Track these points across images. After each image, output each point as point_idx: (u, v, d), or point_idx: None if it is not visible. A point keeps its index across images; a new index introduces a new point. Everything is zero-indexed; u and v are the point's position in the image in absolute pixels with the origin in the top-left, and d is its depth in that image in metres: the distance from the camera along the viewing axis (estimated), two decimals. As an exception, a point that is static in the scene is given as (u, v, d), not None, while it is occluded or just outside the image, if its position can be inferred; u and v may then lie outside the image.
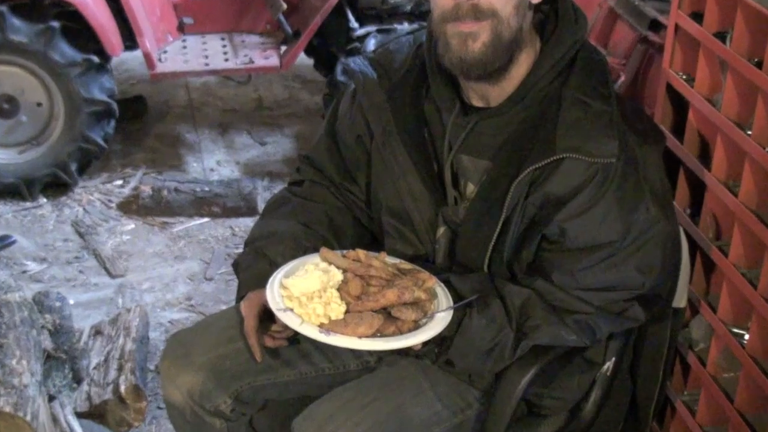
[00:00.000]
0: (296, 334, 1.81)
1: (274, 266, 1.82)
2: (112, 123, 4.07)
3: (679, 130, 2.28)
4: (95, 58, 3.86)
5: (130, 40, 4.01)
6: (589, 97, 1.70)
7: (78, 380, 2.77)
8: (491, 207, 1.75)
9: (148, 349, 3.04)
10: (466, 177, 1.82)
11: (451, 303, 1.72)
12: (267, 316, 1.80)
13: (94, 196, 4.06)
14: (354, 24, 4.13)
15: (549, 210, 1.71)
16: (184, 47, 4.30)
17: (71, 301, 3.24)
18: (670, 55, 2.30)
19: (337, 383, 1.89)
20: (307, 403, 1.84)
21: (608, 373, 1.92)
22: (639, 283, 1.75)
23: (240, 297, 1.88)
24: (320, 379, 1.95)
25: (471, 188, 1.82)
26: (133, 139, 4.52)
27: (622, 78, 2.77)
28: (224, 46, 4.32)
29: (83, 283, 3.50)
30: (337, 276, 1.71)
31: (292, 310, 1.65)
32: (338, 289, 1.69)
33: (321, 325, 1.63)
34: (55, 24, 3.76)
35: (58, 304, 2.99)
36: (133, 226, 3.87)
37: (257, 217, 2.09)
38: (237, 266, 1.93)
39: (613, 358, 1.91)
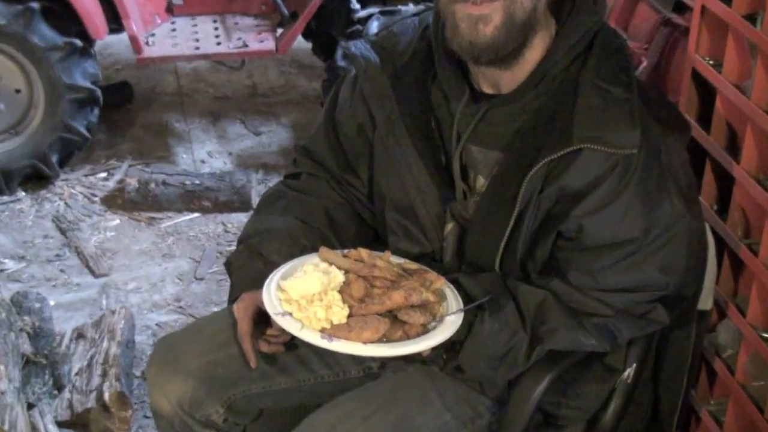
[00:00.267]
0: (294, 338, 1.81)
1: (270, 265, 1.81)
2: (96, 111, 4.07)
3: (705, 119, 2.27)
4: (78, 42, 3.86)
5: (115, 22, 4.00)
6: (608, 84, 1.69)
7: (59, 387, 2.77)
8: (503, 202, 1.74)
9: (134, 353, 3.04)
10: (476, 169, 1.82)
11: (461, 305, 1.71)
12: (262, 319, 1.79)
13: (76, 189, 4.06)
14: (355, 5, 4.13)
15: (565, 205, 1.70)
16: (173, 30, 4.29)
17: (52, 302, 3.24)
18: (695, 39, 2.29)
19: (338, 391, 1.89)
20: (305, 414, 1.84)
21: (629, 381, 1.91)
22: (662, 284, 1.74)
23: (233, 298, 1.87)
24: (319, 386, 1.95)
25: (481, 181, 1.81)
26: (119, 129, 4.52)
27: (644, 63, 2.76)
28: (216, 28, 4.31)
29: (65, 283, 3.50)
30: (339, 277, 1.70)
31: (291, 314, 1.64)
32: (340, 292, 1.68)
33: (322, 330, 1.62)
34: (35, 5, 3.75)
35: (37, 305, 2.99)
36: (118, 221, 3.87)
37: (251, 213, 2.08)
38: (229, 265, 1.93)
39: (634, 365, 1.91)
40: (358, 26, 4.11)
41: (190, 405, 1.88)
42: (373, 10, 4.10)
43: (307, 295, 1.66)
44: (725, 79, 2.17)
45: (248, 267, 1.87)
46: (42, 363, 2.72)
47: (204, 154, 4.37)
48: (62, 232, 3.78)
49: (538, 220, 1.74)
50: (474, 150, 1.81)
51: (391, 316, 1.66)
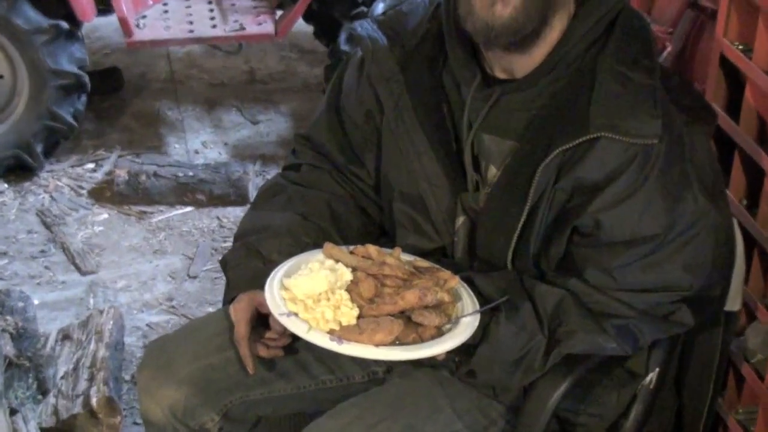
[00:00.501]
0: (294, 342, 1.81)
1: (269, 264, 1.80)
2: (83, 98, 4.07)
3: (733, 108, 2.27)
4: (64, 24, 3.86)
5: (103, 3, 4.00)
6: (629, 69, 1.69)
7: (43, 391, 2.77)
8: (515, 194, 1.74)
9: (123, 356, 3.04)
10: (488, 159, 1.81)
11: (477, 306, 1.71)
12: (260, 322, 1.79)
13: (62, 181, 4.07)
14: (360, -15, 4.13)
15: (581, 198, 1.70)
16: (166, 12, 4.29)
17: (36, 301, 3.25)
18: (724, 22, 2.28)
19: (341, 397, 1.89)
20: (306, 422, 1.84)
21: (651, 386, 1.91)
22: (686, 284, 1.74)
23: (229, 299, 1.87)
24: (321, 393, 1.95)
25: (493, 172, 1.81)
26: (107, 117, 4.52)
27: (669, 48, 2.75)
28: (211, 10, 4.31)
29: (49, 281, 3.50)
30: (347, 275, 1.70)
31: (296, 314, 1.64)
32: (348, 291, 1.68)
33: (331, 332, 1.62)
34: (18, -16, 3.75)
35: (20, 304, 2.99)
36: (106, 215, 3.87)
37: (248, 207, 2.08)
38: (225, 264, 1.92)
39: (657, 369, 1.90)
40: (363, 8, 4.11)
41: (183, 412, 1.88)
42: (378, -10, 4.09)
43: (313, 294, 1.65)
44: (756, 66, 2.16)
45: (246, 266, 1.87)
46: (25, 366, 2.72)
47: (198, 144, 4.37)
48: (47, 226, 3.79)
49: (552, 215, 1.73)
50: (486, 138, 1.80)
51: (404, 317, 1.65)
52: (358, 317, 1.64)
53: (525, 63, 1.75)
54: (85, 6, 3.88)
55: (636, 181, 1.67)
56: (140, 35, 4.10)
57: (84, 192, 4.00)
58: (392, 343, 1.62)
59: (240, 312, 1.79)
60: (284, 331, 1.74)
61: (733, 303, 1.96)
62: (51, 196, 3.96)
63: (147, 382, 1.91)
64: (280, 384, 1.93)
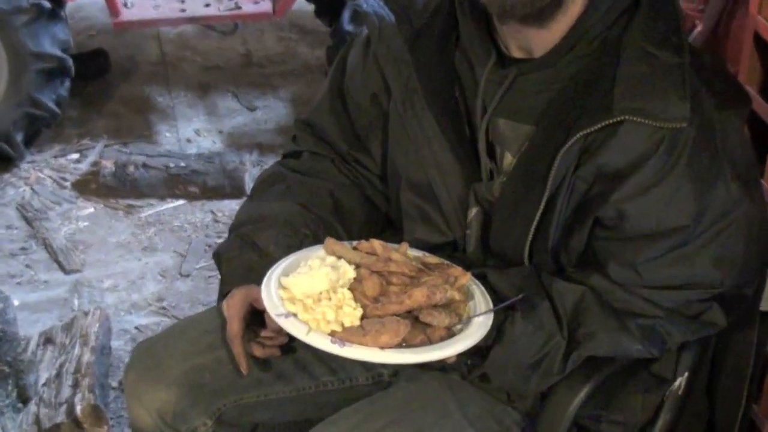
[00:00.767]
0: (291, 341, 1.81)
1: (265, 257, 1.81)
2: (67, 83, 4.07)
3: (769, 90, 2.27)
4: (46, 3, 3.86)
5: (88, -20, 4.01)
6: (656, 47, 1.68)
7: (24, 399, 2.78)
8: (532, 182, 1.73)
9: (110, 361, 3.05)
10: (504, 145, 1.81)
11: (491, 305, 1.71)
12: (255, 319, 1.80)
13: (44, 173, 4.07)
14: (365, -40, 4.12)
15: (603, 187, 1.69)
16: (155, -11, 4.30)
17: (16, 302, 3.25)
18: (758, -1, 2.28)
19: (343, 401, 1.89)
20: (306, 428, 1.84)
21: (680, 392, 1.91)
22: (716, 280, 1.74)
23: (223, 295, 1.87)
24: (322, 396, 1.95)
25: (509, 159, 1.80)
26: (93, 104, 4.52)
27: (699, 27, 2.75)
28: (204, -13, 4.32)
29: (30, 280, 3.51)
30: (349, 273, 1.69)
31: (295, 315, 1.64)
32: (351, 289, 1.68)
33: (333, 334, 1.62)
34: (-4, -40, 3.76)
35: (0, 305, 3.00)
36: (91, 210, 3.88)
37: (244, 200, 2.09)
38: (219, 257, 1.93)
39: (686, 373, 1.90)
40: (368, -15, 4.10)
41: (173, 417, 1.88)
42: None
43: (313, 293, 1.65)
44: (793, 45, 2.16)
45: (240, 259, 1.88)
46: (4, 372, 2.73)
47: (190, 132, 4.37)
48: (28, 221, 3.79)
49: (572, 205, 1.73)
50: (501, 123, 1.80)
51: (411, 317, 1.65)
52: (362, 318, 1.63)
53: (543, 39, 1.74)
54: (68, -17, 3.89)
55: (663, 168, 1.66)
56: (128, 15, 4.11)
57: (67, 184, 4.01)
58: (398, 345, 1.61)
59: (233, 308, 1.79)
60: (281, 330, 1.74)
61: (769, 302, 1.97)
62: (32, 189, 3.97)
63: (133, 385, 1.91)
64: (278, 386, 1.93)
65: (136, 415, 1.92)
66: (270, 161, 4.05)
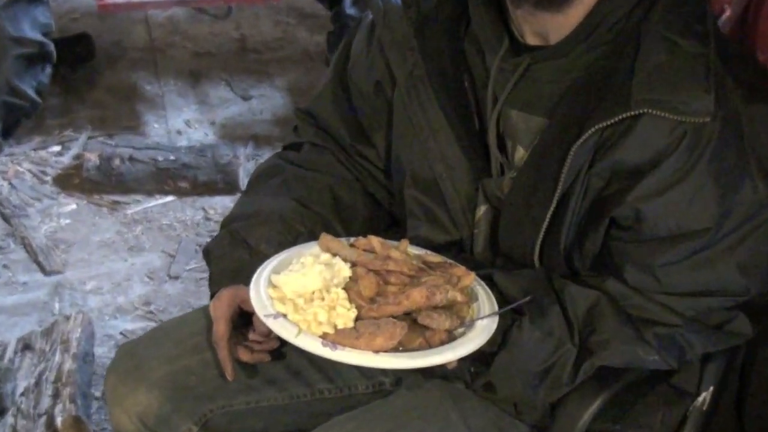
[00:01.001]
0: (282, 346, 1.81)
1: (257, 256, 1.82)
2: (48, 70, 4.08)
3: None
4: (25, -16, 3.87)
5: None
6: (678, 35, 1.68)
7: (1, 409, 2.78)
8: (544, 179, 1.73)
9: (93, 369, 3.05)
10: (515, 138, 1.81)
11: (496, 307, 1.71)
12: (244, 321, 1.80)
13: (23, 166, 4.08)
14: (368, -62, 4.12)
15: (620, 185, 1.69)
16: (143, -31, 4.30)
17: (-8, 306, 3.27)
18: (791, -18, 2.28)
19: (340, 411, 1.89)
20: (302, 442, 1.85)
21: (705, 407, 1.90)
22: (741, 287, 1.73)
23: (212, 294, 1.88)
24: (317, 404, 1.95)
25: (521, 153, 1.80)
26: (76, 92, 4.53)
27: (727, 13, 2.74)
28: (196, -33, 4.32)
29: (8, 282, 3.51)
30: (344, 271, 1.69)
31: (285, 316, 1.64)
32: (345, 289, 1.68)
33: (324, 336, 1.62)
34: (-28, -62, 3.77)
35: (-26, 308, 3.01)
36: (74, 206, 3.88)
37: (239, 196, 2.09)
38: (208, 254, 1.94)
39: (712, 387, 1.89)
40: (372, -35, 4.10)
41: (156, 421, 1.88)
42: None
43: (305, 292, 1.65)
44: (828, 32, 2.16)
45: (230, 256, 1.88)
46: (-20, 380, 2.74)
47: (181, 123, 4.38)
48: (5, 219, 3.80)
49: (586, 203, 1.73)
50: (513, 115, 1.80)
51: (409, 319, 1.64)
52: (357, 319, 1.63)
53: (559, 25, 1.74)
54: (49, -37, 3.89)
55: (684, 165, 1.66)
56: (114, -3, 4.11)
57: (48, 179, 4.01)
58: (395, 349, 1.61)
59: (220, 309, 1.80)
60: (270, 333, 1.74)
61: (801, 311, 1.96)
62: (10, 184, 3.98)
63: (114, 389, 1.92)
64: (270, 392, 1.93)
65: (117, 421, 1.92)
66: (266, 154, 4.05)
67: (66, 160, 4.12)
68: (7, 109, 4.00)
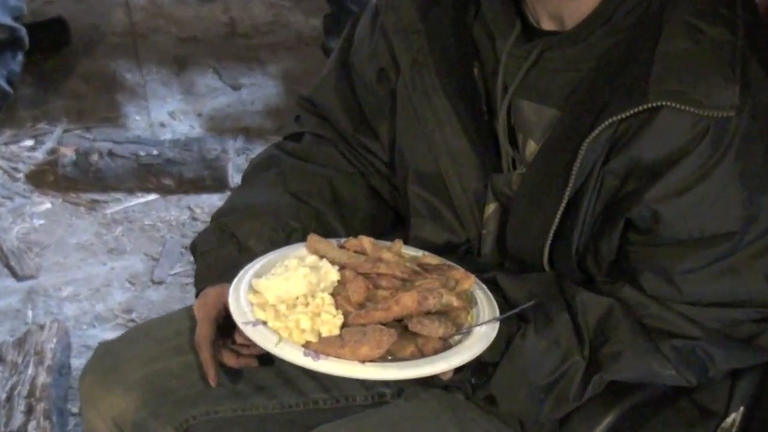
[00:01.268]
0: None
1: (246, 253, 1.83)
2: (20, 57, 4.08)
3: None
4: (-6, -36, 3.87)
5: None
6: (703, 21, 1.68)
7: (-31, 427, 2.79)
8: (554, 175, 1.73)
9: (69, 383, 3.05)
10: (526, 131, 1.81)
11: (497, 313, 1.70)
12: (230, 322, 1.80)
13: (-7, 162, 4.09)
14: None
15: (637, 183, 1.69)
16: (123, -53, 4.31)
17: (-40, 314, 3.27)
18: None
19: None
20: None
21: (734, 430, 1.88)
22: None
23: (197, 292, 1.89)
24: (311, 416, 1.94)
25: (532, 147, 1.81)
26: (50, 81, 4.52)
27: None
28: (180, -55, 4.32)
29: (-23, 288, 3.52)
30: (332, 275, 1.69)
31: (265, 323, 1.65)
32: (333, 294, 1.68)
33: (307, 345, 1.62)
34: None
35: (-60, 317, 3.01)
36: (48, 205, 3.88)
37: (228, 194, 2.10)
38: (194, 249, 1.95)
39: (742, 408, 1.87)
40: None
41: (132, 426, 1.88)
42: None
43: (288, 298, 1.65)
44: None
45: (217, 252, 1.90)
46: (-54, 394, 2.74)
47: (164, 115, 4.38)
48: (-27, 219, 3.81)
49: (600, 203, 1.72)
50: (524, 106, 1.80)
51: (401, 326, 1.64)
52: (343, 326, 1.63)
53: (576, 8, 1.74)
54: (21, -60, 3.90)
55: (706, 163, 1.65)
56: (91, -23, 4.11)
57: (20, 176, 4.02)
58: (383, 358, 1.61)
59: (204, 309, 1.80)
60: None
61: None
62: (-21, 181, 3.99)
63: (89, 390, 1.92)
64: (259, 399, 1.93)
65: (91, 426, 1.92)
66: (257, 148, 4.04)
67: (39, 155, 4.12)
68: (-24, 100, 4.01)
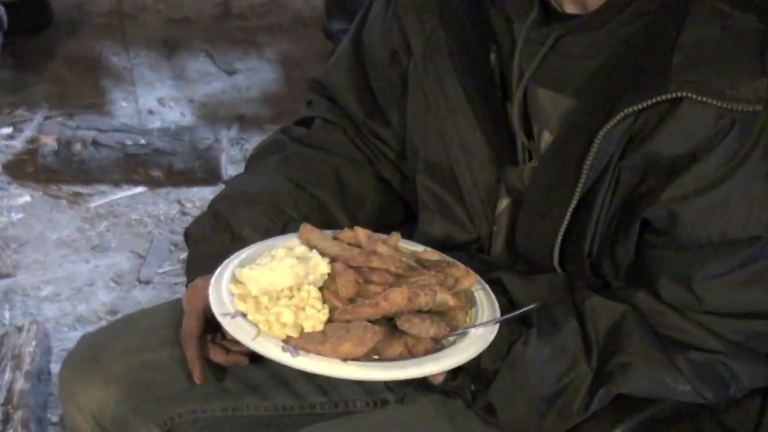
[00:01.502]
0: None
1: (239, 242, 1.83)
2: (-3, 38, 4.09)
3: None
4: (-30, -63, 3.89)
5: None
6: (732, 6, 1.67)
7: (-59, 436, 2.80)
8: (567, 169, 1.72)
9: (49, 389, 3.05)
10: (542, 121, 1.81)
11: (498, 315, 1.69)
12: None
13: (-32, 151, 4.10)
14: None
15: (654, 181, 1.68)
16: None
17: (-68, 314, 3.28)
18: None
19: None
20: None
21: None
22: None
23: (188, 282, 1.89)
24: (306, 420, 1.93)
25: (547, 139, 1.80)
26: (30, 64, 4.53)
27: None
28: None
29: (-50, 287, 3.53)
30: (321, 267, 1.69)
31: (245, 315, 1.65)
32: (322, 288, 1.68)
33: (288, 340, 1.61)
34: None
35: None
36: (27, 198, 3.89)
37: (221, 187, 2.11)
38: (188, 237, 1.96)
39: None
40: None
41: (112, 421, 1.89)
42: None
43: (272, 290, 1.65)
44: None
45: (210, 241, 1.91)
46: None
47: (153, 101, 4.39)
48: (-53, 213, 3.82)
49: (616, 202, 1.71)
50: (541, 94, 1.80)
51: (391, 324, 1.63)
52: (328, 322, 1.63)
53: (600, -10, 1.75)
54: None
55: (730, 161, 1.63)
56: (75, -47, 4.13)
57: (-2, 166, 4.03)
58: (368, 357, 1.60)
59: (192, 300, 1.81)
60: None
61: None
62: (-47, 172, 4.00)
63: (69, 381, 1.93)
64: (250, 399, 1.94)
65: (71, 421, 1.93)
66: (253, 138, 4.06)
67: (18, 144, 4.13)
68: (-50, 84, 4.02)
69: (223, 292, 1.66)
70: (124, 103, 4.37)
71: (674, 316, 1.70)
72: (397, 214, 2.04)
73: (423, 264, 1.75)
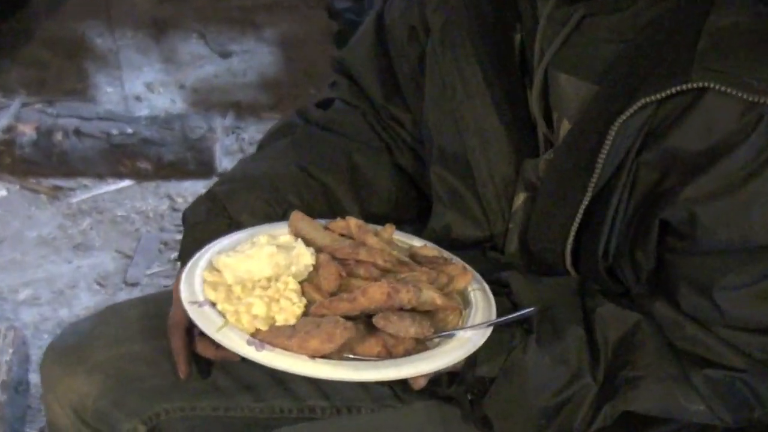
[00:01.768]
0: None
1: (236, 228, 1.84)
2: (-29, 19, 4.11)
3: None
4: None
5: None
6: (767, -9, 1.68)
7: None
8: (581, 161, 1.72)
9: (27, 401, 3.06)
10: (562, 109, 1.81)
11: (494, 317, 1.69)
12: None
13: (-61, 142, 4.11)
14: None
15: (674, 179, 1.66)
16: None
17: None
18: None
19: None
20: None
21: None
22: None
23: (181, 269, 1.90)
24: (305, 425, 1.94)
25: (566, 128, 1.80)
26: (7, 47, 4.54)
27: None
28: None
29: None
30: (305, 258, 1.69)
31: (214, 304, 1.65)
32: (306, 280, 1.68)
33: (256, 333, 1.62)
34: None
35: None
36: (3, 193, 3.90)
37: (214, 180, 2.12)
38: (184, 220, 1.97)
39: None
40: None
41: (93, 415, 1.90)
42: None
43: (248, 279, 1.66)
44: None
45: (205, 226, 1.91)
46: None
47: (141, 87, 4.40)
48: None
49: (634, 200, 1.70)
50: (562, 79, 1.80)
51: (370, 321, 1.62)
52: (303, 315, 1.63)
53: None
54: None
55: (755, 160, 1.62)
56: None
57: (-29, 158, 4.04)
58: (341, 356, 1.61)
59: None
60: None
61: None
62: (-76, 165, 4.01)
63: (49, 371, 1.94)
64: (244, 399, 1.95)
65: (51, 415, 1.95)
66: (250, 127, 4.07)
67: (-6, 133, 4.15)
68: None
69: (195, 279, 1.67)
70: (108, 89, 4.38)
71: (694, 329, 1.68)
72: (412, 207, 2.05)
73: (416, 259, 1.75)
